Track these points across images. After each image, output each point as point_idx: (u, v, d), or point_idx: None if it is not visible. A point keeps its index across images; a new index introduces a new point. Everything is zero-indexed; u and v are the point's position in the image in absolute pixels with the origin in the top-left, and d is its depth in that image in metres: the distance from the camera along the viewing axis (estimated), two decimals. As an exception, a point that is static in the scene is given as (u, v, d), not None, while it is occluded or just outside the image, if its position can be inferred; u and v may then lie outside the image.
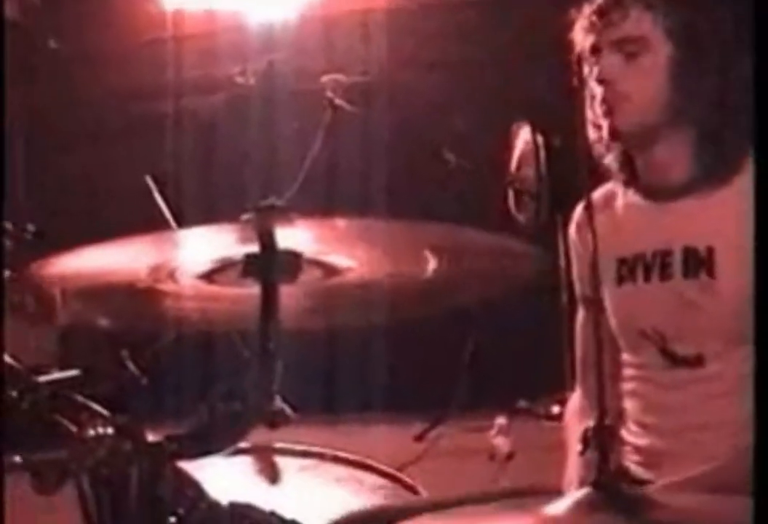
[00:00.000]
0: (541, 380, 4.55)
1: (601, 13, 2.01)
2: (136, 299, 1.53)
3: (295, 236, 1.39)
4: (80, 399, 1.55)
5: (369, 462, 2.73)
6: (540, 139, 4.61)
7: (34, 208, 4.67)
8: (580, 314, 2.27)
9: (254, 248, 1.32)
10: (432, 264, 1.47)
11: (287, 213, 1.32)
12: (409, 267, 1.49)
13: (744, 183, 1.99)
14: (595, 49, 2.02)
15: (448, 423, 4.36)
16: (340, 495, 2.36)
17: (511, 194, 4.68)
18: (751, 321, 1.97)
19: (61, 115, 5.26)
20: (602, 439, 1.38)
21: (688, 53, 1.97)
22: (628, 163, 2.07)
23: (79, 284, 1.50)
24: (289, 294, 1.38)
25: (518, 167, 4.73)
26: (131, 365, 3.95)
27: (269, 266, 1.31)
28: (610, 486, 1.35)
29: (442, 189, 4.93)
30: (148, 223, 3.77)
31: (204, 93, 5.30)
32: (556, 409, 4.64)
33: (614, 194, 2.12)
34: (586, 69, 2.02)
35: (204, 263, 1.37)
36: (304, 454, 2.58)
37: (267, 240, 1.30)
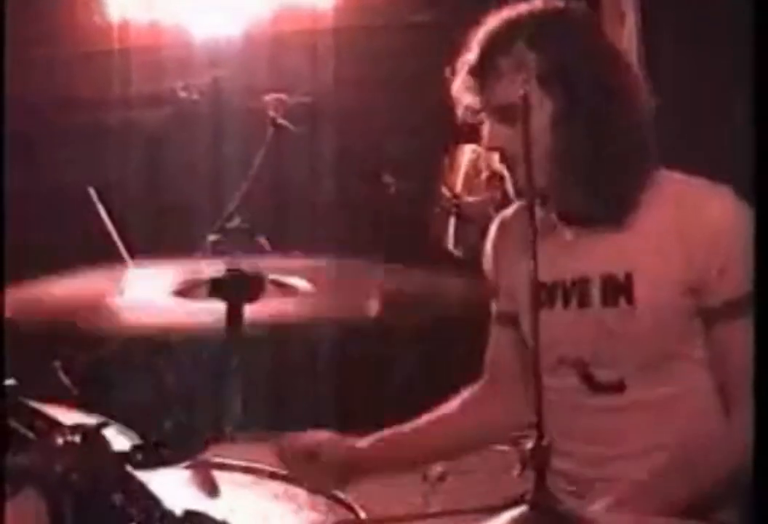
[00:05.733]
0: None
1: (475, 76, 2.04)
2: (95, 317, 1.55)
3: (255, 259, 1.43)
4: (34, 405, 1.58)
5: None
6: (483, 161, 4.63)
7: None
8: (496, 330, 2.31)
9: (220, 268, 1.36)
10: (374, 303, 1.52)
11: (253, 235, 1.35)
12: (354, 302, 1.54)
13: (659, 210, 2.03)
14: (478, 110, 2.06)
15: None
16: (277, 510, 2.38)
17: (451, 220, 4.71)
18: (672, 343, 2.03)
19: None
20: (539, 459, 1.43)
21: (567, 105, 2.00)
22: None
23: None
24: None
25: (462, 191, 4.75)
26: (63, 376, 3.94)
27: (235, 287, 1.34)
28: (545, 504, 1.40)
29: (382, 213, 4.97)
30: (90, 237, 3.76)
31: (150, 107, 5.29)
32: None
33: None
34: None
35: (172, 283, 1.40)
36: (243, 470, 2.60)
37: (233, 262, 1.34)
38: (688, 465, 1.99)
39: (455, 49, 2.14)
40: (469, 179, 4.71)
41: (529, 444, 1.44)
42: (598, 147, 2.00)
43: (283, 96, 4.91)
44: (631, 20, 4.63)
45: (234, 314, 1.32)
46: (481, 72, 2.02)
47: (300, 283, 1.46)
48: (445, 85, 2.14)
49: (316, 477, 2.21)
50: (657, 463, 2.00)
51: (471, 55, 2.06)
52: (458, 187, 4.70)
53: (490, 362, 2.35)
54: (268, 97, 4.88)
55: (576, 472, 2.08)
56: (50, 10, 5.45)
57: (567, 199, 2.07)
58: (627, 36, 4.69)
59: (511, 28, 2.04)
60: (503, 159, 2.07)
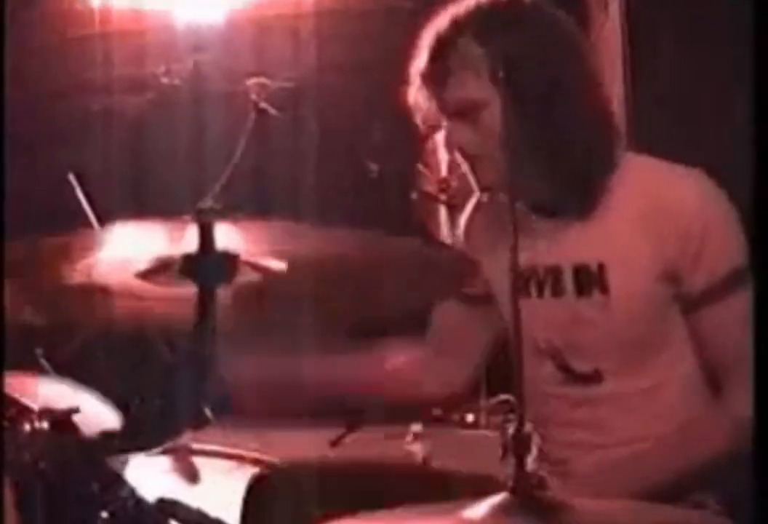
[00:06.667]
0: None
1: (428, 81, 2.03)
2: (65, 296, 1.53)
3: (228, 237, 1.40)
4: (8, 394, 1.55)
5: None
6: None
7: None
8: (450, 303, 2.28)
9: (192, 248, 1.34)
10: (355, 270, 1.50)
11: (227, 215, 1.33)
12: (337, 272, 1.51)
13: (627, 196, 2.00)
14: (436, 114, 2.05)
15: (363, 429, 4.37)
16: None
17: (441, 207, 4.68)
18: (651, 331, 2.01)
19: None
20: (520, 445, 1.42)
21: (518, 98, 1.88)
22: None
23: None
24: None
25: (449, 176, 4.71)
26: (45, 363, 3.91)
27: (207, 267, 1.32)
28: (525, 491, 1.39)
29: (365, 198, 4.95)
30: (71, 222, 3.74)
31: (132, 92, 5.26)
32: (470, 417, 4.70)
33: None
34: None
35: (142, 262, 1.37)
36: (224, 456, 2.59)
37: (206, 241, 1.31)
38: (668, 450, 1.98)
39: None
40: (453, 163, 4.66)
41: (511, 430, 1.43)
42: (557, 138, 1.98)
43: (265, 80, 4.88)
44: (615, 7, 4.62)
45: (206, 296, 1.30)
46: (433, 75, 2.01)
47: (274, 264, 1.43)
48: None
49: None
50: (637, 449, 2.00)
51: (421, 61, 2.05)
52: (443, 171, 4.66)
53: (438, 330, 2.32)
54: (251, 82, 4.85)
55: (557, 454, 2.08)
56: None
57: (533, 190, 2.04)
58: (611, 23, 4.68)
59: (456, 24, 2.02)
60: (463, 156, 2.06)
